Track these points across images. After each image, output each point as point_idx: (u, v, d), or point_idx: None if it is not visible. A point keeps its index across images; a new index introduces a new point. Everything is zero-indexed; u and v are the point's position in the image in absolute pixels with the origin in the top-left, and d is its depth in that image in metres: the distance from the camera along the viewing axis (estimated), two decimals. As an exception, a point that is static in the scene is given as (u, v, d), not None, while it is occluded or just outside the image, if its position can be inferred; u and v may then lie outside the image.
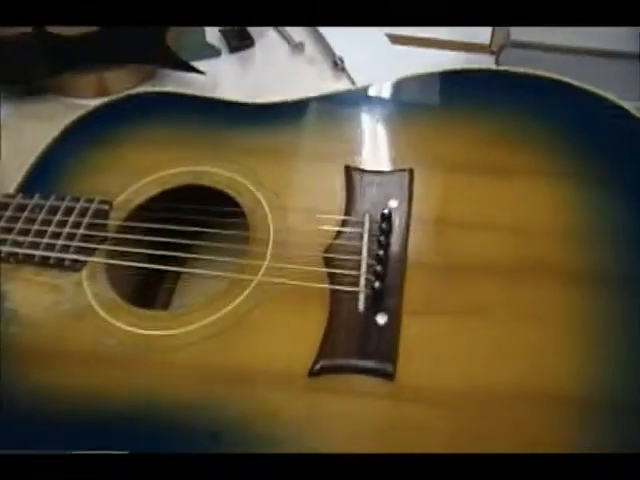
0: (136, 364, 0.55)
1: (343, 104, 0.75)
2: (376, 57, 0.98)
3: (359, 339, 0.54)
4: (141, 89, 0.80)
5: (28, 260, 0.63)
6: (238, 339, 0.55)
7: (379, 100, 0.75)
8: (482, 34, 0.96)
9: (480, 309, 0.56)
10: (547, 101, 0.71)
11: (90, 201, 0.66)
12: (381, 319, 0.55)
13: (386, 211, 0.61)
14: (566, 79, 0.72)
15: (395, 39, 1.01)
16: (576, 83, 0.71)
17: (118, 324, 0.58)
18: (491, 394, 0.51)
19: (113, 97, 0.76)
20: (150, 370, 0.54)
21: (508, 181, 0.65)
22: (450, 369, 0.52)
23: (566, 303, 0.56)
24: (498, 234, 0.60)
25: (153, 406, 0.52)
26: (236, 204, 0.65)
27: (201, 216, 0.66)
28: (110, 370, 0.55)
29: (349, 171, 0.66)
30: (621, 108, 0.68)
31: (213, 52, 0.98)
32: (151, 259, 0.64)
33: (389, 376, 0.52)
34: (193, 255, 0.65)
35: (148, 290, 0.69)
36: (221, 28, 1.00)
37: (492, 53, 0.97)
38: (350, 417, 0.51)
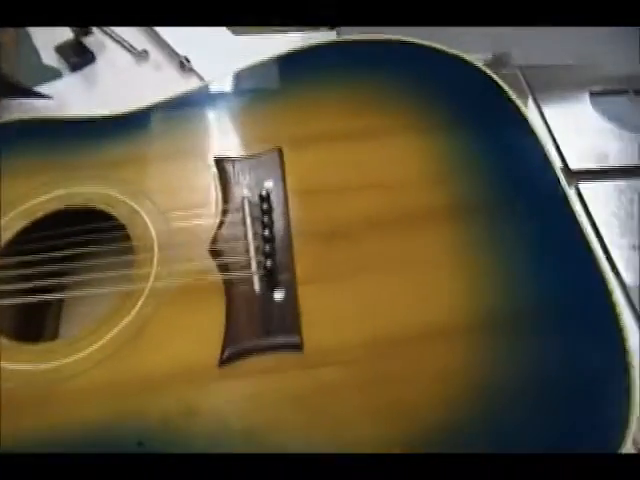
0: (42, 402, 0.53)
1: (198, 101, 0.75)
2: (221, 51, 0.98)
3: (261, 319, 0.55)
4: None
5: None
6: (142, 349, 0.54)
7: (231, 91, 0.75)
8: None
9: (369, 265, 0.58)
10: (391, 62, 0.74)
11: (-44, 243, 0.63)
12: (278, 295, 0.56)
13: (263, 192, 0.62)
14: (404, 38, 0.75)
15: (236, 31, 1.01)
16: (413, 40, 0.75)
17: (11, 366, 0.55)
18: (395, 340, 0.53)
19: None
20: (59, 404, 0.52)
21: (370, 143, 0.67)
22: (352, 326, 0.54)
23: (446, 241, 0.59)
24: (371, 192, 0.62)
25: (75, 431, 0.51)
26: (112, 217, 0.64)
27: (78, 237, 0.64)
28: (16, 414, 0.52)
29: (220, 162, 0.66)
30: (458, 57, 0.73)
31: (53, 73, 0.94)
32: (33, 291, 0.61)
33: (297, 347, 0.53)
34: (77, 278, 0.63)
35: (33, 322, 0.66)
36: (57, 46, 0.96)
37: (332, 28, 0.99)
38: (269, 394, 0.51)
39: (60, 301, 0.69)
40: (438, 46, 0.74)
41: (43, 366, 0.55)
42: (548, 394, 0.51)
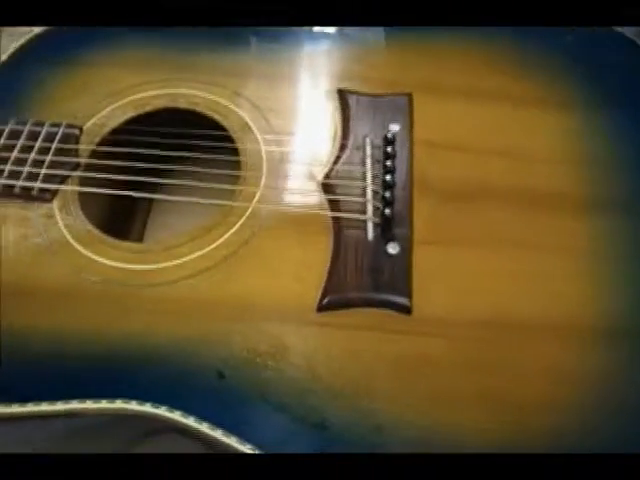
0: (126, 302, 0.50)
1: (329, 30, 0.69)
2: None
3: (370, 271, 0.50)
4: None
5: (-13, 190, 0.56)
6: (237, 271, 0.50)
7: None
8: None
9: (490, 238, 0.53)
10: (549, 30, 0.67)
11: (57, 125, 0.59)
12: (392, 249, 0.51)
13: (389, 134, 0.57)
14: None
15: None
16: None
17: (99, 258, 0.52)
18: (511, 325, 0.49)
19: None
20: (143, 308, 0.49)
21: (509, 107, 0.61)
22: (467, 301, 0.49)
23: (581, 231, 0.53)
24: (503, 160, 0.57)
25: (150, 347, 0.48)
26: (221, 128, 0.59)
27: (182, 140, 0.60)
28: (95, 309, 0.49)
29: (343, 94, 0.61)
30: (621, 36, 0.65)
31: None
32: (127, 186, 0.57)
33: (405, 309, 0.48)
34: (175, 181, 0.59)
35: (120, 220, 0.63)
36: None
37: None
38: (366, 352, 0.47)
39: (149, 207, 0.65)
40: None
41: (135, 267, 0.51)
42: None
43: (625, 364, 0.47)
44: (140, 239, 0.65)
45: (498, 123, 0.59)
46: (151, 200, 0.66)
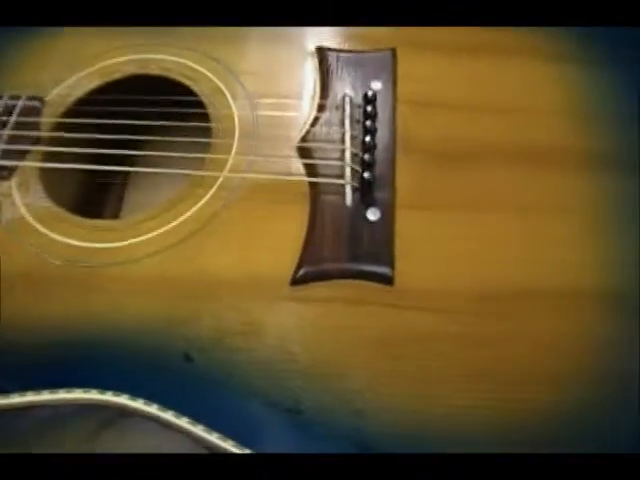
0: (88, 283, 0.46)
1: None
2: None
3: (349, 239, 0.46)
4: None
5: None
6: (206, 246, 0.47)
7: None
8: None
9: (482, 201, 0.48)
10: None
11: (16, 98, 0.55)
12: (372, 215, 0.47)
13: (370, 93, 0.52)
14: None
15: None
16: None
17: (60, 238, 0.48)
18: (504, 295, 0.45)
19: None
20: (106, 288, 0.46)
21: (499, 60, 0.56)
22: (454, 270, 0.45)
23: (578, 189, 0.49)
24: (496, 116, 0.53)
25: (114, 329, 0.44)
26: (192, 93, 0.55)
27: (152, 108, 0.56)
28: (57, 292, 0.46)
29: (322, 51, 0.57)
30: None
31: None
32: (95, 160, 0.54)
33: (387, 280, 0.44)
34: (145, 152, 0.55)
35: (94, 198, 0.59)
36: None
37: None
38: (343, 330, 0.43)
39: (123, 184, 0.61)
40: None
41: (99, 245, 0.48)
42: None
43: (631, 334, 0.43)
44: (117, 215, 0.62)
45: (489, 76, 0.55)
46: (127, 174, 0.62)
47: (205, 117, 0.54)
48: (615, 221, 0.48)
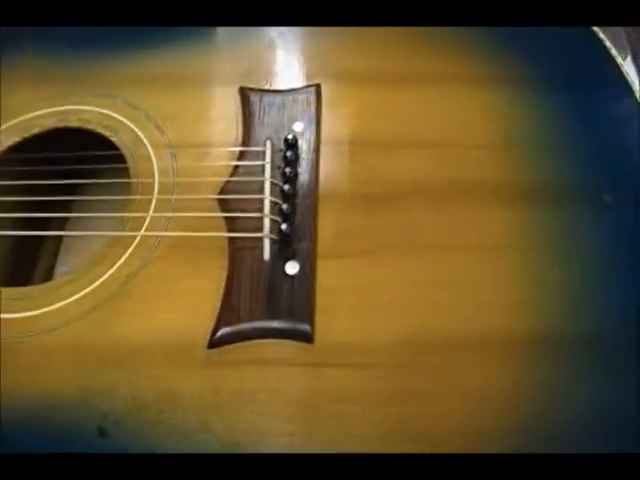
0: (2, 358, 0.44)
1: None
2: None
3: (266, 295, 0.45)
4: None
5: None
6: (121, 310, 0.45)
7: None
8: None
9: (407, 244, 0.47)
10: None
11: None
12: (291, 268, 0.46)
13: (290, 136, 0.51)
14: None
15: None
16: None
17: None
18: (429, 346, 0.43)
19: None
20: (17, 363, 0.44)
21: (427, 91, 0.55)
22: (377, 321, 0.44)
23: (504, 226, 0.48)
24: (420, 153, 0.51)
25: (26, 405, 0.42)
26: (112, 145, 0.54)
27: (73, 165, 0.55)
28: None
29: (245, 92, 0.55)
30: None
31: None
32: (21, 225, 0.52)
33: (307, 338, 0.43)
34: (65, 214, 0.54)
35: (23, 262, 0.58)
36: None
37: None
38: (264, 393, 0.42)
39: (56, 245, 0.60)
40: None
41: (10, 315, 0.46)
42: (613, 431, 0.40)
43: (562, 377, 0.41)
44: (49, 276, 0.60)
45: (415, 109, 0.54)
46: (55, 239, 0.60)
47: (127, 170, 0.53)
48: (545, 258, 0.46)
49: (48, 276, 0.60)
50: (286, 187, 0.48)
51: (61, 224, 0.59)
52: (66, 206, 0.56)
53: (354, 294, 0.45)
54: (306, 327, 0.43)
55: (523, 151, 0.51)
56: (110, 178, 0.54)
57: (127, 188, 0.52)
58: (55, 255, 0.62)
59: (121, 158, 0.53)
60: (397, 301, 0.44)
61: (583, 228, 0.48)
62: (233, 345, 0.43)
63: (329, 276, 0.45)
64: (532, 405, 0.41)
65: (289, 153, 0.50)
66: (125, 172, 0.53)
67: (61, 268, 0.61)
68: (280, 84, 0.56)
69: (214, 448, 0.40)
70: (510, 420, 0.41)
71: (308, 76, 0.56)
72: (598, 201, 0.49)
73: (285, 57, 0.59)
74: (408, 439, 0.40)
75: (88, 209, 0.56)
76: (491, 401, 0.41)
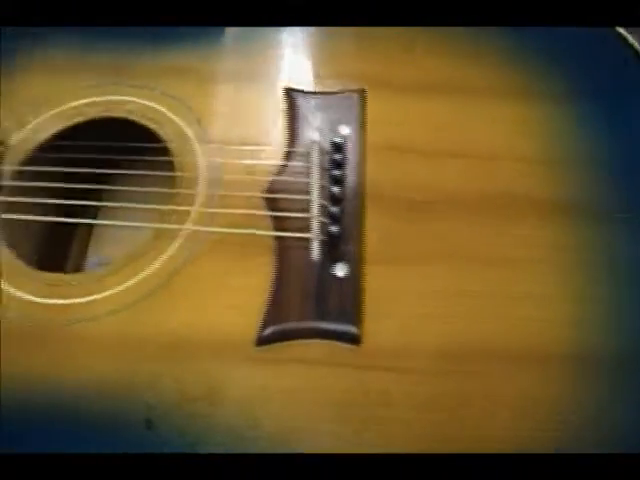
0: (45, 341, 0.45)
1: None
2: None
3: (315, 296, 0.45)
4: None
5: None
6: (167, 304, 0.45)
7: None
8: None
9: (450, 254, 0.47)
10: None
11: (-21, 142, 0.54)
12: (340, 270, 0.46)
13: (338, 139, 0.51)
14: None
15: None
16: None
17: (18, 293, 0.47)
18: (471, 355, 0.43)
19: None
20: (63, 348, 0.44)
21: (466, 102, 0.55)
22: (423, 328, 0.44)
23: (545, 241, 0.48)
24: (465, 163, 0.52)
25: (71, 393, 0.42)
26: (157, 138, 0.54)
27: (116, 155, 0.55)
28: (14, 351, 0.44)
29: (289, 93, 0.55)
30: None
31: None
32: (57, 210, 0.52)
33: (354, 340, 0.43)
34: (108, 203, 0.54)
35: (56, 248, 0.58)
36: None
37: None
38: (308, 393, 0.42)
39: (88, 232, 0.60)
40: None
41: (56, 301, 0.46)
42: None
43: (599, 395, 0.42)
44: (80, 263, 0.60)
45: (458, 120, 0.54)
46: (90, 225, 0.60)
47: (170, 163, 0.53)
48: (585, 275, 0.47)
49: (79, 264, 0.60)
50: (335, 189, 0.48)
51: (92, 213, 0.58)
52: (97, 195, 0.56)
53: (398, 300, 0.45)
54: (354, 329, 0.43)
55: (562, 166, 0.52)
56: (144, 170, 0.54)
57: (164, 181, 0.52)
58: (86, 244, 0.62)
59: (160, 150, 0.53)
60: (440, 309, 0.45)
61: (622, 245, 0.48)
62: (281, 343, 0.43)
63: (376, 281, 0.46)
64: (568, 421, 0.42)
65: (337, 156, 0.50)
66: (159, 165, 0.53)
67: (92, 257, 0.62)
68: (323, 86, 0.56)
69: (263, 445, 0.40)
70: (546, 433, 0.41)
71: (352, 80, 0.56)
72: (638, 218, 0.49)
73: (328, 59, 0.59)
74: (447, 444, 0.40)
75: (119, 199, 0.55)
76: (529, 413, 0.42)
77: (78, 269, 0.60)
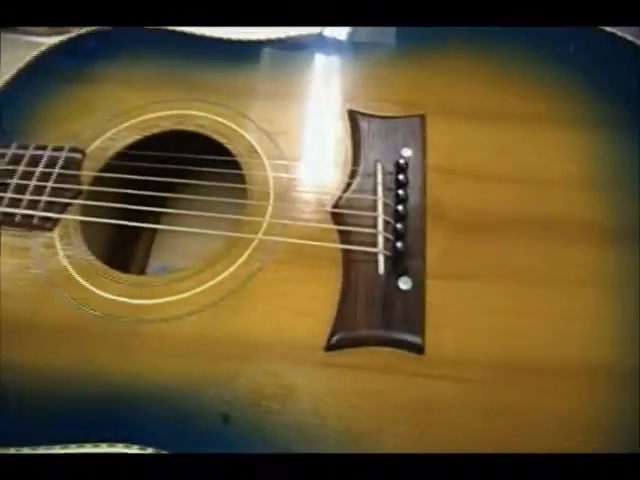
0: (127, 339, 0.48)
1: (338, 43, 0.67)
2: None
3: (382, 307, 0.48)
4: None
5: (-13, 218, 0.54)
6: (242, 307, 0.49)
7: (374, 42, 0.67)
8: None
9: (509, 271, 0.50)
10: (556, 42, 0.64)
11: (59, 149, 0.58)
12: (404, 284, 0.49)
13: (402, 161, 0.54)
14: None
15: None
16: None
17: (100, 292, 0.50)
18: (525, 367, 0.46)
19: (81, 31, 0.66)
20: (145, 345, 0.48)
21: (525, 129, 0.58)
22: (481, 340, 0.47)
23: (590, 265, 0.51)
24: (521, 186, 0.55)
25: (153, 387, 0.46)
26: (226, 151, 0.57)
27: (187, 166, 0.58)
28: (97, 347, 0.48)
29: (354, 115, 0.59)
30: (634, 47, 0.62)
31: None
32: (129, 214, 0.56)
33: (418, 349, 0.46)
34: (179, 211, 0.57)
35: (123, 249, 0.61)
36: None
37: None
38: (374, 396, 0.45)
39: (152, 235, 0.64)
40: (618, 32, 0.63)
41: (137, 301, 0.50)
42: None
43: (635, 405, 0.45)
44: (143, 267, 0.64)
45: (512, 146, 0.57)
46: (153, 233, 0.64)
47: (239, 175, 0.56)
48: (625, 298, 0.49)
49: (143, 268, 0.64)
50: (400, 207, 0.51)
51: (155, 221, 0.62)
52: (164, 203, 0.59)
53: (458, 314, 0.48)
54: (418, 339, 0.46)
55: (609, 191, 0.54)
56: (211, 182, 0.58)
57: (229, 193, 0.56)
58: (149, 250, 0.66)
59: (234, 164, 0.57)
60: (494, 324, 0.48)
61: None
62: (348, 350, 0.46)
63: (437, 295, 0.49)
64: (610, 434, 0.44)
65: (401, 176, 0.53)
66: (238, 179, 0.56)
67: (154, 263, 0.65)
68: (386, 111, 0.60)
69: (331, 444, 0.43)
70: (590, 445, 0.44)
71: (413, 106, 0.60)
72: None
73: (390, 85, 0.62)
74: (500, 448, 0.43)
75: (187, 209, 0.58)
76: (575, 425, 0.44)
77: (142, 273, 0.63)
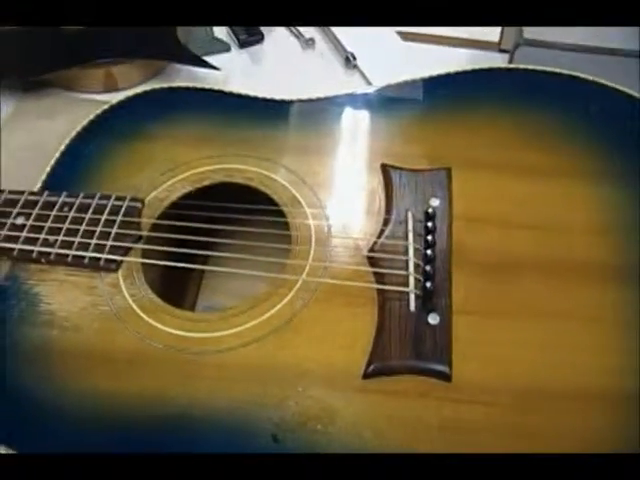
0: (187, 367, 0.54)
1: (370, 103, 0.74)
2: (387, 53, 0.97)
3: (413, 340, 0.54)
4: (171, 84, 0.78)
5: (60, 260, 0.61)
6: (289, 340, 0.55)
7: (401, 100, 0.74)
8: (490, 31, 0.96)
9: (523, 309, 0.56)
10: (573, 99, 0.71)
11: (122, 199, 0.65)
12: (433, 319, 0.55)
13: (430, 210, 0.61)
14: (592, 77, 0.72)
15: (405, 35, 1.00)
16: (601, 81, 0.71)
17: (161, 326, 0.56)
18: (545, 393, 0.52)
19: (140, 90, 0.74)
20: (203, 374, 0.54)
21: (538, 181, 0.64)
22: (503, 369, 0.53)
23: (604, 304, 0.56)
24: (540, 232, 0.60)
25: (211, 410, 0.52)
26: (271, 201, 0.64)
27: (235, 214, 0.65)
28: (160, 375, 0.54)
29: (386, 169, 0.65)
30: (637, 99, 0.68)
31: (222, 47, 0.96)
32: (183, 258, 0.62)
33: (446, 377, 0.52)
34: (230, 255, 0.64)
35: (175, 286, 0.68)
36: (229, 23, 0.98)
37: (501, 51, 0.96)
38: (407, 419, 0.50)
39: (201, 275, 0.70)
40: (619, 87, 0.70)
41: (194, 335, 0.56)
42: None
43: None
44: (193, 305, 0.70)
45: (530, 196, 0.63)
46: (201, 276, 0.71)
47: (282, 223, 0.63)
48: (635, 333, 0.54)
49: (192, 306, 0.70)
50: (429, 252, 0.57)
51: (207, 264, 0.68)
52: (215, 249, 0.66)
53: (481, 345, 0.54)
54: (446, 369, 0.52)
55: (622, 237, 0.60)
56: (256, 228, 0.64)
57: (278, 239, 0.62)
58: (198, 290, 0.72)
59: (278, 213, 0.64)
60: (516, 355, 0.53)
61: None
62: (384, 378, 0.52)
63: (462, 329, 0.54)
64: (622, 450, 0.49)
65: (429, 223, 0.60)
66: (282, 226, 0.63)
67: (202, 303, 0.72)
68: (415, 164, 0.66)
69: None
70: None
71: (439, 160, 0.66)
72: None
73: (418, 140, 0.69)
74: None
75: (234, 253, 0.65)
76: (593, 444, 0.49)
77: (192, 306, 0.70)
